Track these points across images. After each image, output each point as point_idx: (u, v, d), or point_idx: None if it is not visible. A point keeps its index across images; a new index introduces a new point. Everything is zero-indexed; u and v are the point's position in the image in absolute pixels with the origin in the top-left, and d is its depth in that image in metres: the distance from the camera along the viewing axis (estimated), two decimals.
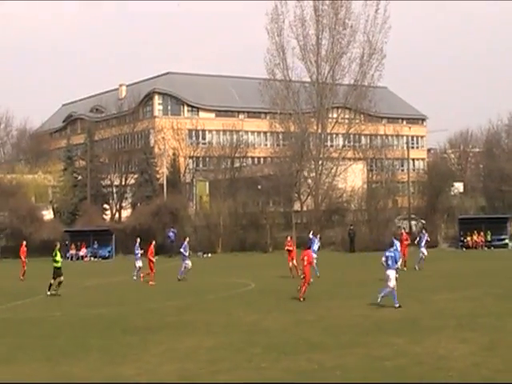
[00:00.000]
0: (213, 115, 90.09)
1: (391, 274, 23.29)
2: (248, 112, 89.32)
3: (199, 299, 27.32)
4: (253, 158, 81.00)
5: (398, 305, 22.53)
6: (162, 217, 58.20)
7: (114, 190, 70.36)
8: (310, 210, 61.16)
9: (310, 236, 36.10)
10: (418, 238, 38.61)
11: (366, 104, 64.25)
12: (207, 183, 71.18)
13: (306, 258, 26.01)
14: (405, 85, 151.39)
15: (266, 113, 73.98)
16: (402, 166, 77.64)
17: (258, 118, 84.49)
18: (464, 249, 54.12)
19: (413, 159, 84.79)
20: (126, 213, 68.48)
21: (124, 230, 58.38)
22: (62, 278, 29.22)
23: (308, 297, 25.30)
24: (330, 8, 62.40)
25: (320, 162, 62.42)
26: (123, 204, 69.76)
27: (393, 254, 23.89)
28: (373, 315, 21.52)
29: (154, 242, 36.03)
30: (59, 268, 29.33)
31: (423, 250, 36.91)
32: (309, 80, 63.61)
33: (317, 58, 62.48)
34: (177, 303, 26.40)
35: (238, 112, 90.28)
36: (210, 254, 56.11)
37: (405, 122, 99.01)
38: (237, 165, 70.30)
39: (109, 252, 58.70)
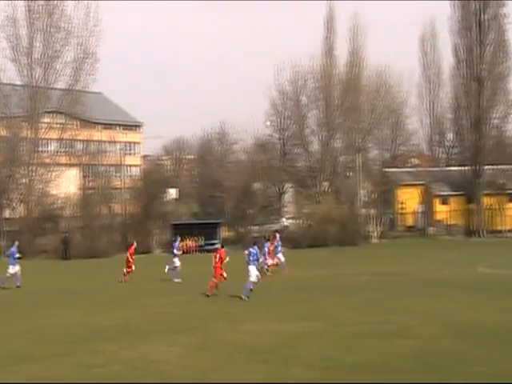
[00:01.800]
0: None
1: (252, 269, 25.17)
2: None
3: None
4: None
5: (246, 298, 24.47)
6: None
7: None
8: (22, 217, 59.00)
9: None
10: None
11: (79, 109, 63.38)
12: None
13: (218, 255, 27.03)
14: (120, 91, 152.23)
15: None
16: (118, 172, 77.69)
17: None
18: None
19: (128, 165, 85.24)
20: None
21: None
22: None
23: (19, 306, 24.32)
24: (43, 9, 60.79)
25: (32, 168, 60.49)
26: None
27: (255, 251, 25.69)
28: (86, 323, 21.20)
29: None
30: None
31: (280, 255, 36.64)
32: (20, 83, 61.44)
33: (29, 60, 60.54)
34: None
35: None
36: None
37: (120, 129, 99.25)
38: None
39: None
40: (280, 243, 37.39)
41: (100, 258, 53.09)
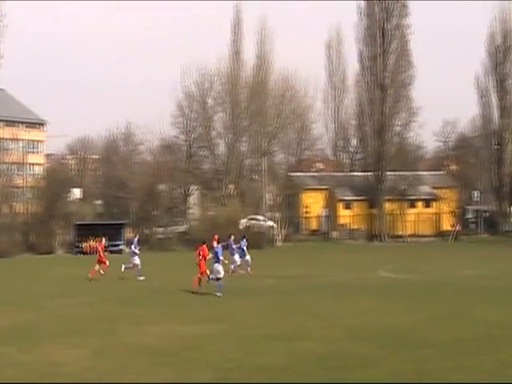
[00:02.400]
0: None
1: (216, 266, 26.52)
2: None
3: None
4: None
5: (219, 294, 25.79)
6: None
7: None
8: None
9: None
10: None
11: None
12: None
13: (200, 252, 28.08)
14: (24, 89, 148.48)
15: None
16: (20, 170, 75.71)
17: None
18: (80, 254, 54.35)
19: (31, 164, 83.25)
20: None
21: None
22: None
23: None
24: None
25: None
26: None
27: (218, 250, 27.01)
28: None
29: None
30: None
31: (236, 257, 35.61)
32: None
33: None
34: None
35: None
36: None
37: (23, 126, 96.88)
38: None
39: None
40: (243, 245, 36.61)
41: (0, 257, 51.61)
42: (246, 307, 23.32)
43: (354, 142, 75.99)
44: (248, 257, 35.93)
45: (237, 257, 35.57)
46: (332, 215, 67.66)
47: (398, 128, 67.65)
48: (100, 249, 35.75)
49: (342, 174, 71.04)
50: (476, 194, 76.75)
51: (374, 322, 20.12)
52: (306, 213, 68.49)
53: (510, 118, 69.78)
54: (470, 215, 72.42)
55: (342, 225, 66.79)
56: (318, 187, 68.33)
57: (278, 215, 63.86)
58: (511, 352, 16.05)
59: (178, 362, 15.33)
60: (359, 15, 66.81)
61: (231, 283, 28.45)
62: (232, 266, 34.71)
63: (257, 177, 68.32)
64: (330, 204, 67.97)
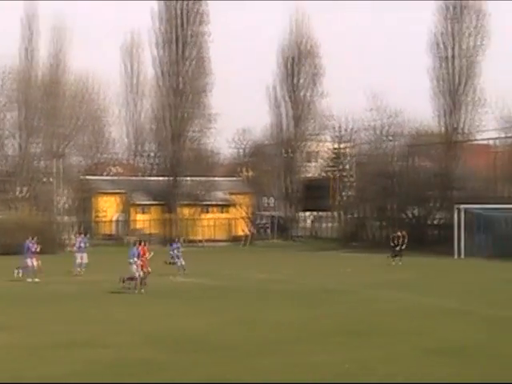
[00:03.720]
0: None
1: (131, 267, 27.98)
2: None
3: None
4: None
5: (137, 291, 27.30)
6: None
7: None
8: None
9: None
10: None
11: None
12: None
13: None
14: None
15: None
16: None
17: None
18: None
19: None
20: None
21: None
22: None
23: None
24: None
25: None
26: None
27: (135, 251, 28.69)
28: None
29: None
30: None
31: (28, 261, 33.69)
32: None
33: None
34: None
35: None
36: None
37: None
38: None
39: None
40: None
41: None
42: (40, 315, 22.41)
43: (151, 146, 75.78)
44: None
45: (29, 261, 34.16)
46: (128, 220, 66.99)
47: (194, 134, 68.19)
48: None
49: (138, 178, 70.57)
50: (269, 200, 79.11)
51: (170, 327, 20.05)
52: (99, 217, 67.24)
53: (301, 127, 72.52)
54: (263, 221, 74.47)
55: (138, 229, 66.30)
56: (114, 191, 67.48)
57: (73, 219, 62.24)
58: (300, 351, 16.53)
59: None
60: (155, 20, 66.60)
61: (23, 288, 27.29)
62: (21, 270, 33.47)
63: (51, 179, 66.18)
64: (126, 208, 67.28)
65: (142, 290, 28.02)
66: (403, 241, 43.47)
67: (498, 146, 61.85)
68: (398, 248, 43.13)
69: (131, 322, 20.96)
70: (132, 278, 28.22)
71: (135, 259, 28.62)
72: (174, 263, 35.76)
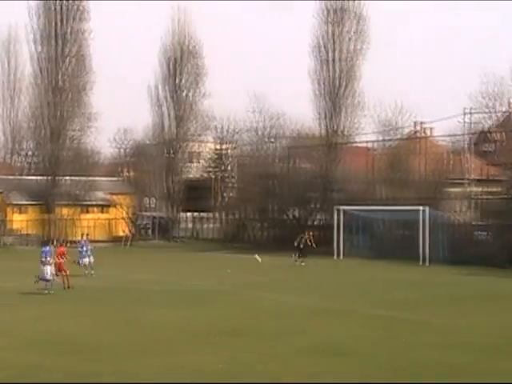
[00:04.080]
0: None
1: (45, 268, 27.53)
2: None
3: None
4: None
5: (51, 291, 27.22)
6: None
7: None
8: None
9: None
10: None
11: None
12: None
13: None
14: None
15: None
16: None
17: None
18: None
19: None
20: None
21: None
22: None
23: None
24: None
25: None
26: None
27: (47, 250, 28.14)
28: None
29: None
30: None
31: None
32: None
33: None
34: None
35: None
36: None
37: None
38: None
39: None
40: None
41: None
42: None
43: (29, 144, 73.74)
44: None
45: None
46: (4, 220, 64.92)
47: (74, 133, 66.72)
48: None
49: (15, 177, 68.49)
50: (151, 200, 78.38)
51: (47, 329, 19.64)
52: None
53: (183, 128, 72.20)
54: (144, 221, 73.74)
55: (15, 230, 64.39)
56: None
57: None
58: (179, 352, 16.48)
59: None
60: (32, 15, 64.71)
61: None
62: None
63: None
64: (2, 209, 65.18)
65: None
66: (311, 242, 44.65)
67: (376, 149, 63.61)
68: (302, 248, 44.07)
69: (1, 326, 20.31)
70: (44, 279, 27.79)
71: (48, 259, 27.93)
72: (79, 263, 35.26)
